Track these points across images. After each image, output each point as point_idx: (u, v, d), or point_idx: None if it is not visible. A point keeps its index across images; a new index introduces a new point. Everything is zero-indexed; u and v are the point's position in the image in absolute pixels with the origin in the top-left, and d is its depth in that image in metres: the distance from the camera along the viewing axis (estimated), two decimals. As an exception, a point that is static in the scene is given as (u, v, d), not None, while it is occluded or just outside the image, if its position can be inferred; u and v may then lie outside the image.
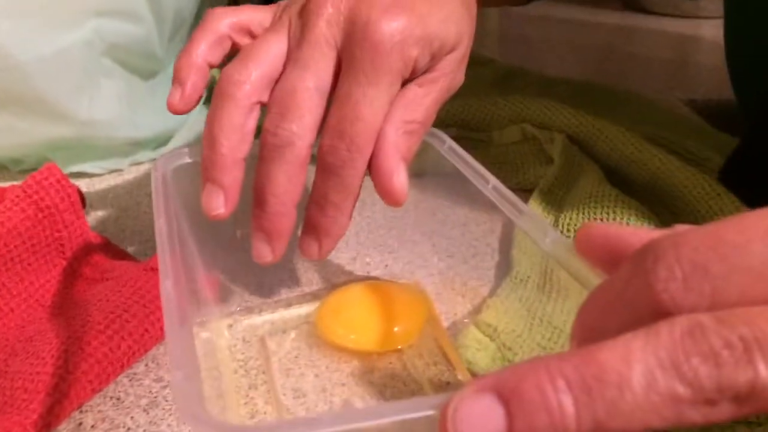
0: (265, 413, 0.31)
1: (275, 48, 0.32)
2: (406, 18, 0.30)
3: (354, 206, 0.33)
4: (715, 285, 0.16)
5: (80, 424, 0.31)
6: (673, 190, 0.45)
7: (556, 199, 0.47)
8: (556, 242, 0.27)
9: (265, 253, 0.32)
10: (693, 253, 0.16)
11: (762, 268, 0.16)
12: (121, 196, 0.52)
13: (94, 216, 0.49)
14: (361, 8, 0.30)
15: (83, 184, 0.53)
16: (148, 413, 0.31)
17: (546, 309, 0.37)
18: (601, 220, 0.43)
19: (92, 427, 0.31)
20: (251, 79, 0.31)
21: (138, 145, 0.55)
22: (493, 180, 0.33)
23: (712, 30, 0.90)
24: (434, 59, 0.32)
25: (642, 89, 0.64)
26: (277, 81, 0.32)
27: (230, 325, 0.37)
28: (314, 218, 0.32)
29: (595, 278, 0.24)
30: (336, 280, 0.42)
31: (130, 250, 0.44)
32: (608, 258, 0.22)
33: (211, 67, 0.35)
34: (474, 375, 0.33)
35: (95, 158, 0.54)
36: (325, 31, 0.31)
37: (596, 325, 0.18)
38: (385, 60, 0.30)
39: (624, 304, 0.17)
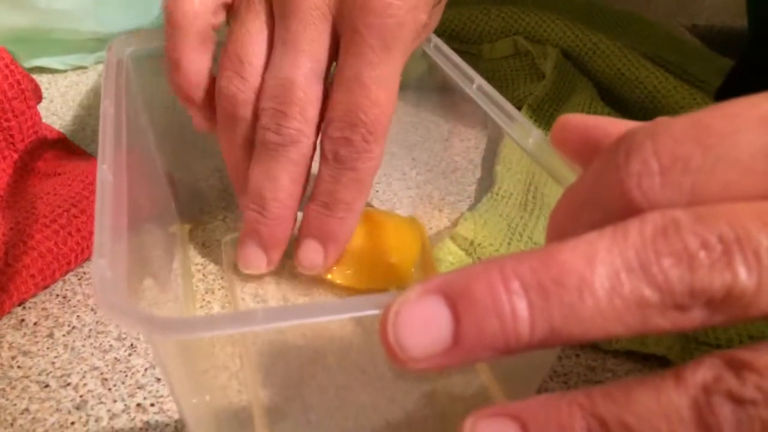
0: (221, 318, 0.30)
1: (260, 38, 0.27)
2: None
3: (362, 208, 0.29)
4: (696, 180, 0.14)
5: (22, 320, 0.29)
6: (669, 111, 0.42)
7: (546, 116, 0.44)
8: (540, 143, 0.25)
9: (257, 260, 0.29)
10: (673, 144, 0.14)
11: (750, 161, 0.13)
12: (84, 93, 0.48)
13: (53, 112, 0.46)
14: None
15: (45, 80, 0.50)
16: (95, 313, 0.29)
17: (527, 225, 0.35)
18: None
19: (35, 323, 0.29)
20: (253, 90, 0.27)
21: (103, 41, 0.51)
22: (479, 79, 0.30)
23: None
24: None
25: (644, 12, 0.61)
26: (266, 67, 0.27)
27: (191, 230, 0.35)
28: (318, 221, 0.28)
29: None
30: (308, 189, 0.39)
31: (89, 149, 0.41)
32: (585, 150, 0.20)
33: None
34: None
35: (58, 53, 0.51)
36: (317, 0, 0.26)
37: (567, 228, 0.16)
38: (397, 34, 0.25)
39: (594, 204, 0.15)
